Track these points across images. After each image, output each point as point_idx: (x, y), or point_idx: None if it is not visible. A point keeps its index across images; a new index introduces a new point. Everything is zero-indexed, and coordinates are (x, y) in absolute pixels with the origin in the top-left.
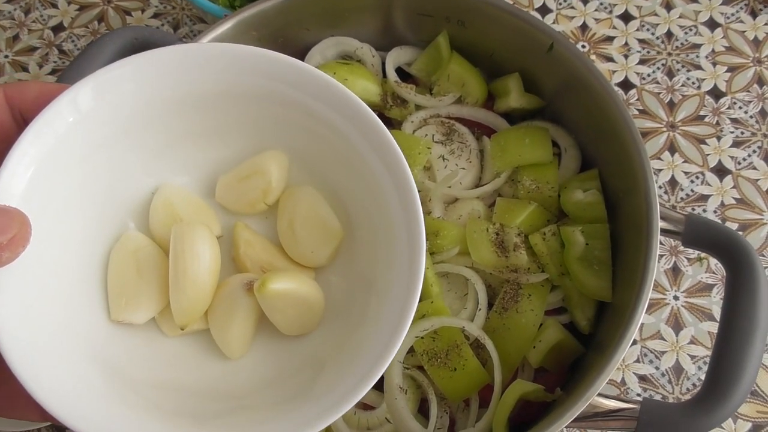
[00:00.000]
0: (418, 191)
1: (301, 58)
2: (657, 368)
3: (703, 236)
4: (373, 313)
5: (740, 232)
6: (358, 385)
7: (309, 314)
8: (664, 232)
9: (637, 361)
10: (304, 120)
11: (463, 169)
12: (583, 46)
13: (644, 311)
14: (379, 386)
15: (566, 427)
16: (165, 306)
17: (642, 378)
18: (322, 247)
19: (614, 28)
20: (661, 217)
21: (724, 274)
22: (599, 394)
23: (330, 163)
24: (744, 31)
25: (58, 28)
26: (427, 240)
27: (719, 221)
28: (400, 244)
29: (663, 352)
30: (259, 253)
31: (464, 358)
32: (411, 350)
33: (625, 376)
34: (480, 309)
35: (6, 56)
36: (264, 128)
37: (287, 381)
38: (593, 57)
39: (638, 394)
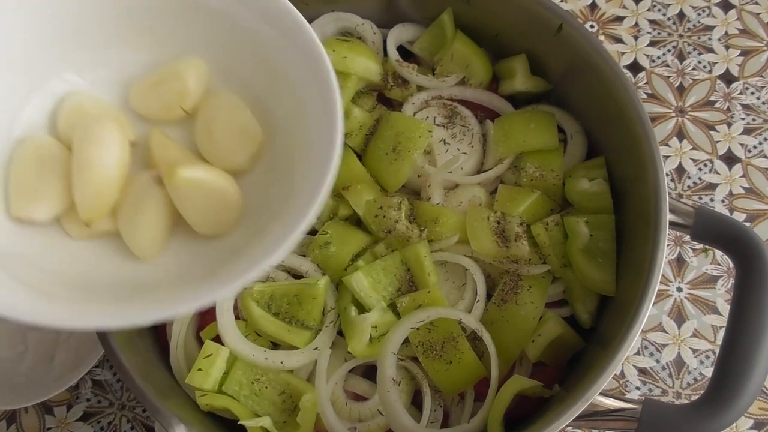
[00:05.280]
0: (418, 176)
1: None
2: (657, 361)
3: (714, 231)
4: (294, 192)
5: (748, 224)
6: (286, 232)
7: (225, 210)
8: (672, 225)
9: (638, 353)
10: (224, 25)
11: (465, 153)
12: (592, 26)
13: (650, 308)
14: (372, 377)
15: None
16: (70, 206)
17: (642, 371)
18: (241, 150)
19: (624, 7)
20: (670, 210)
21: (730, 266)
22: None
23: (250, 69)
24: (759, 14)
25: None
26: (425, 227)
27: (727, 211)
28: (318, 133)
29: (664, 345)
30: (175, 155)
31: (460, 351)
32: (406, 341)
33: (624, 368)
34: (478, 300)
35: None
36: (181, 33)
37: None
38: (602, 38)
39: (637, 388)
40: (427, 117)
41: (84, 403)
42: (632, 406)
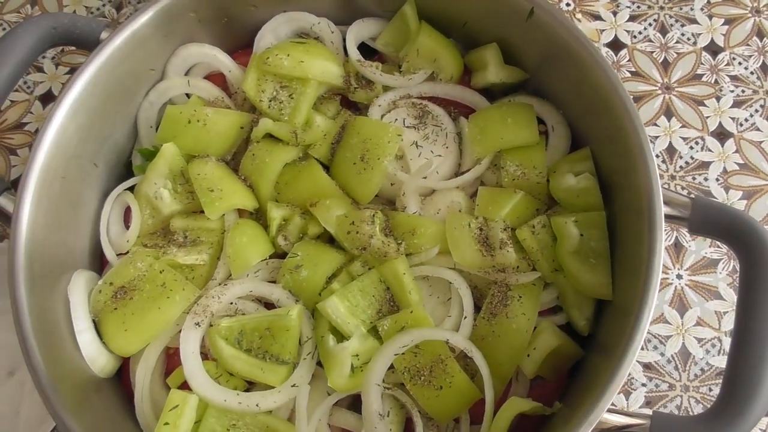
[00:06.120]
0: (391, 185)
1: (251, 39)
2: (662, 354)
3: (713, 222)
4: None
5: (745, 201)
6: None
7: None
8: (668, 218)
9: (641, 348)
10: None
11: (440, 156)
12: (568, 5)
13: (651, 312)
14: (360, 407)
15: None
16: None
17: (646, 366)
18: None
19: None
20: (665, 202)
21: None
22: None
23: None
24: None
25: None
26: (402, 240)
27: (723, 190)
28: None
29: (668, 337)
30: None
31: (450, 374)
32: (391, 367)
33: None
34: (465, 317)
35: None
36: None
37: None
38: (579, 16)
39: (643, 384)
40: (396, 119)
41: None
42: (640, 421)
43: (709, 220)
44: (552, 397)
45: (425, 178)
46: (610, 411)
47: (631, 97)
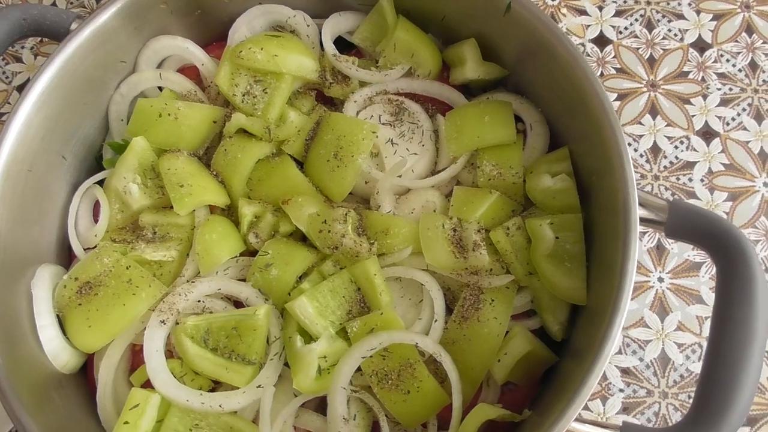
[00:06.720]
0: (365, 183)
1: (225, 31)
2: (641, 359)
3: (690, 227)
4: None
5: (730, 203)
6: None
7: None
8: (643, 221)
9: (619, 352)
10: None
11: (415, 154)
12: None
13: (624, 317)
14: (325, 411)
15: None
16: None
17: (624, 371)
18: None
19: None
20: (640, 204)
21: None
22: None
23: None
24: None
25: None
26: (375, 240)
27: (707, 191)
28: None
29: (647, 341)
30: None
31: (418, 378)
32: (359, 370)
33: (606, 370)
34: (436, 320)
35: None
36: None
37: None
38: (564, 11)
39: (621, 390)
40: (372, 116)
41: None
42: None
43: (687, 224)
44: (523, 403)
45: (400, 176)
46: (580, 421)
47: (616, 94)
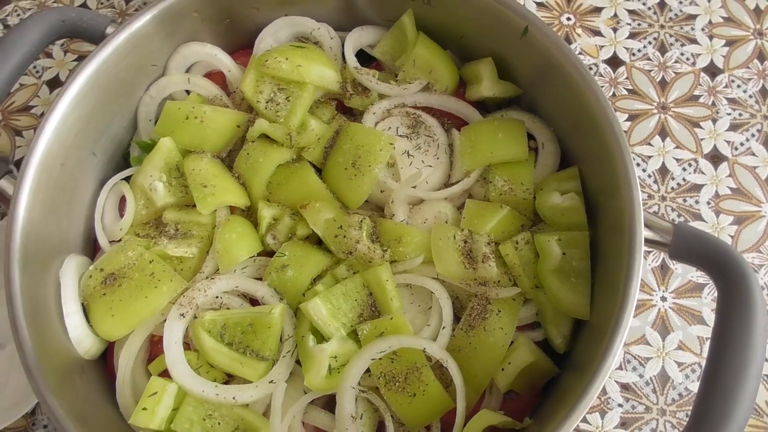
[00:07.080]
0: (381, 191)
1: (252, 40)
2: (641, 376)
3: (694, 250)
4: None
5: (735, 226)
6: None
7: None
8: (648, 242)
9: (620, 368)
10: None
11: (430, 166)
12: (569, 19)
13: (625, 335)
14: (334, 409)
15: None
16: None
17: (624, 387)
18: None
19: None
20: (646, 225)
21: None
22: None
23: None
24: (744, 0)
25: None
26: (388, 247)
27: (713, 214)
28: None
29: (648, 359)
30: None
31: (425, 382)
32: (368, 371)
33: (606, 384)
34: (444, 327)
35: None
36: None
37: None
38: (579, 31)
39: (620, 405)
40: (389, 128)
41: (41, 429)
42: None
43: (691, 247)
44: (524, 411)
45: (414, 187)
46: None
47: (627, 114)
